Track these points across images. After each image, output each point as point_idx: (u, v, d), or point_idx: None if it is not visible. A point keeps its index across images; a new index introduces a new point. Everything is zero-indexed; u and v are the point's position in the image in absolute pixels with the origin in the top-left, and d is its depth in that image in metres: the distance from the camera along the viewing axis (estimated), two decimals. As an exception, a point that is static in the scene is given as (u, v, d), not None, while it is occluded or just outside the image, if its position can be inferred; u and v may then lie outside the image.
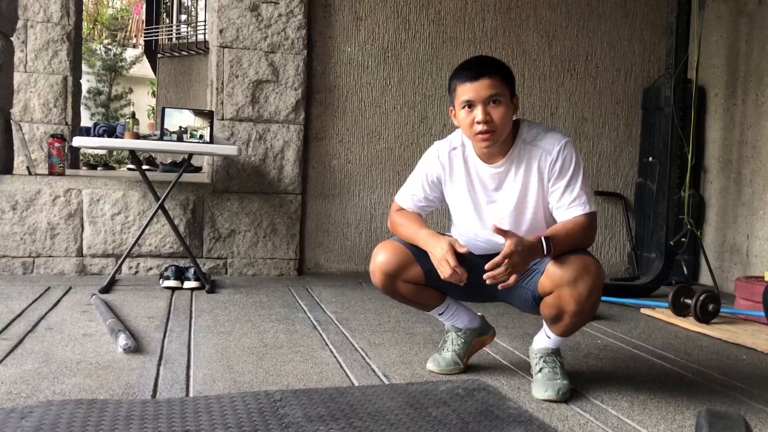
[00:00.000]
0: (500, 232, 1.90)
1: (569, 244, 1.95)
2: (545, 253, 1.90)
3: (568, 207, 1.99)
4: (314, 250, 4.33)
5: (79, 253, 3.85)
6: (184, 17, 11.13)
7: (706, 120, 4.58)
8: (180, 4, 11.07)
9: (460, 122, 2.03)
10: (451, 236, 2.20)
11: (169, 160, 6.64)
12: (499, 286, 1.90)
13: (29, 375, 2.07)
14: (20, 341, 2.43)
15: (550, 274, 1.94)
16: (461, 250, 1.95)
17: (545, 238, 1.91)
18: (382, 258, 2.10)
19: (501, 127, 1.97)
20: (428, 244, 2.02)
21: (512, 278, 1.86)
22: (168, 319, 2.89)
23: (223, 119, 4.05)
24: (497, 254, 2.09)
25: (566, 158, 2.00)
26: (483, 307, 2.82)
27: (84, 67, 12.37)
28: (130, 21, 17.23)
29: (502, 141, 2.02)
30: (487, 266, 1.86)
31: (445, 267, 1.95)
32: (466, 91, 1.97)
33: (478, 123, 1.95)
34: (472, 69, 1.98)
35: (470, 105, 1.97)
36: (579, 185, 2.00)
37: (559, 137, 2.03)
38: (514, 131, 2.07)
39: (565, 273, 1.90)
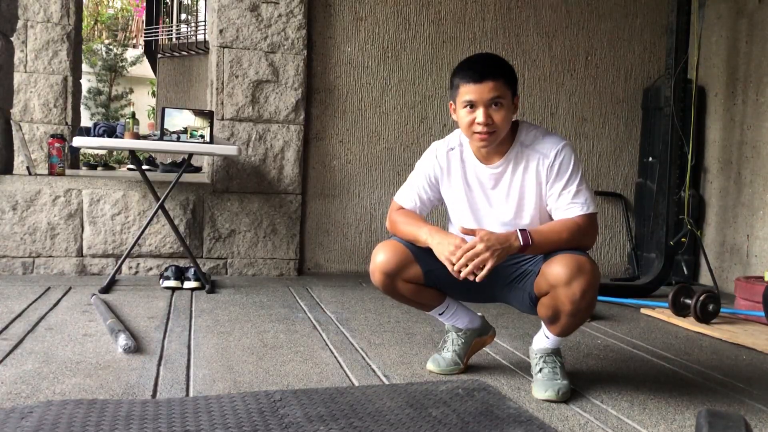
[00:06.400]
0: (468, 231, 1.94)
1: (556, 240, 1.95)
2: (522, 243, 1.90)
3: (566, 208, 2.00)
4: (314, 250, 4.33)
5: (79, 253, 3.85)
6: (184, 17, 11.12)
7: (706, 120, 4.57)
8: (180, 4, 11.07)
9: (459, 119, 2.04)
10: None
11: (169, 160, 6.64)
12: (477, 278, 1.89)
13: (29, 375, 2.07)
14: (20, 341, 2.43)
15: (545, 274, 1.95)
16: None
17: (521, 229, 1.93)
18: (381, 258, 2.10)
19: (500, 129, 1.99)
20: (433, 239, 1.98)
21: (485, 269, 1.86)
22: (168, 319, 2.89)
23: (223, 119, 4.05)
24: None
25: (563, 160, 2.01)
26: (483, 307, 2.82)
27: (85, 67, 12.37)
28: (131, 21, 17.23)
29: (499, 142, 2.03)
30: (456, 261, 1.88)
31: (459, 254, 1.89)
32: (468, 91, 1.97)
33: (479, 124, 1.96)
34: (477, 70, 1.98)
35: (472, 106, 1.98)
36: (576, 186, 2.00)
37: (556, 140, 2.04)
38: (513, 132, 2.07)
39: (560, 273, 1.90)
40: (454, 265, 1.91)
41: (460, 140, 2.14)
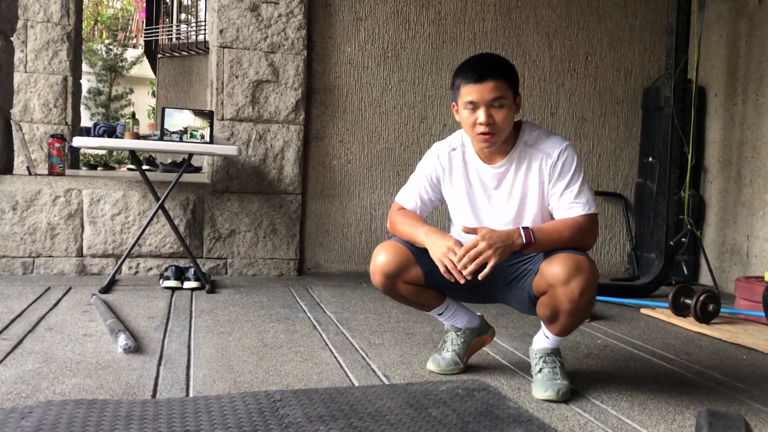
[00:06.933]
0: (470, 230, 1.95)
1: (557, 239, 1.96)
2: (524, 241, 1.91)
3: (568, 208, 2.00)
4: (314, 250, 4.34)
5: (79, 253, 3.85)
6: (184, 17, 11.12)
7: (706, 120, 4.57)
8: (180, 4, 11.06)
9: (462, 121, 2.04)
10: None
11: (169, 160, 6.64)
12: (479, 276, 1.89)
13: (29, 375, 2.07)
14: (20, 341, 2.43)
15: (543, 273, 1.95)
16: None
17: (523, 227, 1.93)
18: (382, 259, 2.10)
19: (503, 129, 1.99)
20: (429, 239, 2.00)
21: (488, 267, 1.87)
22: (168, 319, 2.89)
23: (223, 119, 4.05)
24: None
25: (566, 160, 2.02)
26: (483, 307, 2.82)
27: (85, 67, 12.35)
28: (131, 21, 17.23)
29: (502, 141, 2.03)
30: (457, 262, 1.88)
31: (451, 257, 1.90)
32: (470, 92, 1.97)
33: (481, 124, 1.97)
34: (477, 70, 1.98)
35: (473, 106, 1.98)
36: (578, 186, 2.01)
37: (560, 140, 2.05)
38: (516, 132, 2.08)
39: (558, 272, 1.91)
40: (446, 266, 1.92)
41: (462, 140, 2.14)
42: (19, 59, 5.11)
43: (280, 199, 4.15)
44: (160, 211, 3.65)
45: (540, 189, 2.05)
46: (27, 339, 2.47)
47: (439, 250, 1.94)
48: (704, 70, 4.50)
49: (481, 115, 1.96)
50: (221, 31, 4.05)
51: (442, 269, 1.94)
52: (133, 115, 4.01)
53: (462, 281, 1.91)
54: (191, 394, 1.99)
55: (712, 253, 4.44)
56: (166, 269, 3.63)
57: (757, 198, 4.13)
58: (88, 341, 2.48)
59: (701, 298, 3.20)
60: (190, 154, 3.71)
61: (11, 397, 1.88)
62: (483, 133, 1.98)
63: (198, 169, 5.62)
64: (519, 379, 2.24)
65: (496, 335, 2.48)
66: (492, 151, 2.06)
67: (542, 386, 2.05)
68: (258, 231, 4.11)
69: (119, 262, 3.63)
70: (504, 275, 2.12)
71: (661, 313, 3.44)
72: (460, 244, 1.94)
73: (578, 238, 1.98)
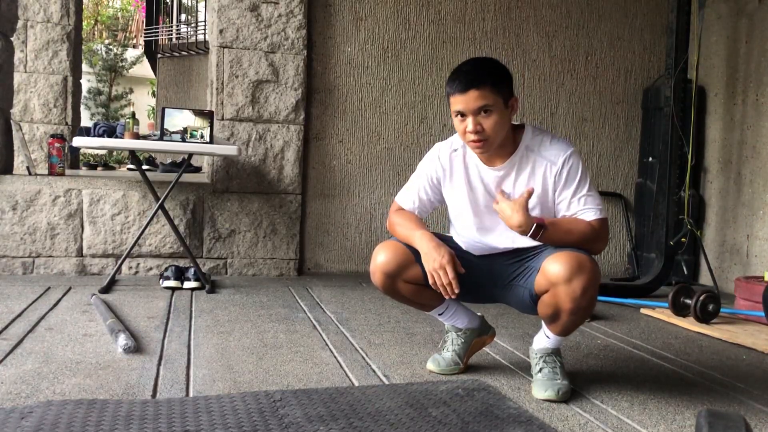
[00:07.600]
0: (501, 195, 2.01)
1: (562, 240, 1.97)
2: (529, 236, 1.93)
3: (580, 215, 2.00)
4: (314, 250, 4.34)
5: (79, 253, 3.85)
6: (184, 17, 11.12)
7: (706, 120, 4.58)
8: (180, 4, 11.06)
9: (456, 128, 2.05)
10: (450, 240, 2.20)
11: (169, 160, 6.64)
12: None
13: (29, 375, 2.07)
14: (20, 341, 2.44)
15: (546, 272, 1.95)
16: (461, 270, 1.98)
17: (538, 223, 1.92)
18: (382, 258, 2.10)
19: (493, 135, 1.98)
20: (423, 245, 2.02)
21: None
22: (168, 319, 2.89)
23: (223, 119, 4.05)
24: (496, 254, 2.12)
25: (572, 167, 2.01)
26: (483, 307, 2.82)
27: (85, 67, 12.35)
28: (131, 21, 17.23)
29: (499, 145, 2.02)
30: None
31: (442, 275, 1.96)
32: (456, 102, 1.98)
33: (470, 133, 1.97)
34: (461, 81, 1.96)
35: (462, 115, 1.98)
36: (586, 191, 2.01)
37: (564, 147, 2.04)
38: (518, 135, 2.06)
39: (560, 271, 1.91)
40: (435, 281, 1.99)
41: (463, 141, 2.14)
42: (19, 59, 5.11)
43: (280, 199, 4.15)
44: (160, 211, 3.65)
45: (543, 196, 2.04)
46: (27, 339, 2.47)
47: (430, 263, 1.99)
48: (704, 70, 4.50)
49: (469, 124, 1.97)
50: (221, 31, 4.05)
51: (430, 281, 2.00)
52: (133, 115, 4.01)
53: (447, 297, 1.99)
54: (191, 394, 1.99)
55: (712, 253, 4.44)
56: (166, 269, 3.64)
57: (757, 198, 4.13)
58: (88, 341, 2.48)
59: (701, 298, 3.21)
60: (190, 154, 3.71)
61: (11, 397, 1.88)
62: (473, 141, 1.98)
63: (198, 169, 5.62)
64: (519, 379, 2.24)
65: (496, 335, 2.48)
66: (490, 154, 2.05)
67: (542, 386, 2.05)
68: (258, 231, 4.11)
69: (119, 262, 3.63)
70: (505, 274, 2.12)
71: (661, 313, 3.44)
72: (454, 260, 1.97)
73: (590, 242, 1.99)
